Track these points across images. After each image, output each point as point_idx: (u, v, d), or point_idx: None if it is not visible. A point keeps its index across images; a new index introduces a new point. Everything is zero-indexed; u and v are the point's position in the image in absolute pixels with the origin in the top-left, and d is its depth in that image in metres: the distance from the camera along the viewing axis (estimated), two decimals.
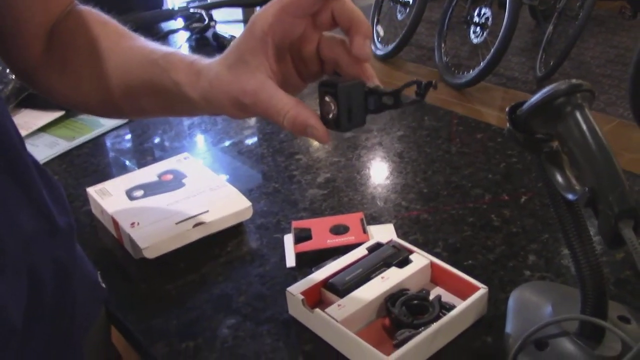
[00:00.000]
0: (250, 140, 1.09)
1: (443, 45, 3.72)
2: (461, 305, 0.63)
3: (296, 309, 0.67)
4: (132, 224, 0.79)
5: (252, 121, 1.16)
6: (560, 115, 0.54)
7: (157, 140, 1.11)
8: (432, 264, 0.70)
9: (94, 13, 0.68)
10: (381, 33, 4.11)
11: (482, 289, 0.65)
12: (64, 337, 0.61)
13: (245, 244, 0.81)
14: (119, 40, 0.65)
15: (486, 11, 3.56)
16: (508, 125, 0.60)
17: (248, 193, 0.89)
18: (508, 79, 3.75)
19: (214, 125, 1.15)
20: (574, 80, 0.55)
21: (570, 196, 0.55)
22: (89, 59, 0.65)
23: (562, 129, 0.54)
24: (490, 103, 3.49)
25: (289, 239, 0.80)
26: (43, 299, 0.58)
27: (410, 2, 3.92)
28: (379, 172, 0.96)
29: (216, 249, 0.80)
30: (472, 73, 3.44)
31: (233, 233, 0.82)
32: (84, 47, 0.65)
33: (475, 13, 3.61)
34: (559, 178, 0.57)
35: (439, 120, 1.11)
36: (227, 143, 1.08)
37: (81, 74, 0.66)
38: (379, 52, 4.04)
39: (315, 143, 1.06)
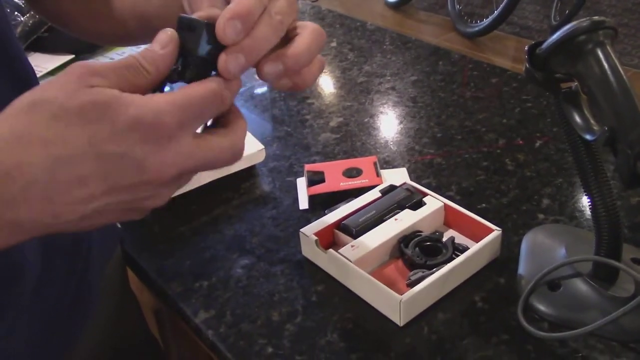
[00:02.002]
0: (261, 85, 1.08)
1: None
2: (474, 247, 0.63)
3: (309, 249, 0.67)
4: None
5: None
6: (580, 53, 0.53)
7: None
8: (445, 207, 0.70)
9: None
10: None
11: (496, 231, 0.65)
12: (80, 273, 0.61)
13: (258, 186, 0.81)
14: None
15: None
16: (526, 64, 0.59)
17: (260, 137, 0.88)
18: (522, 28, 3.68)
19: None
20: (595, 18, 0.54)
21: (588, 136, 0.54)
22: None
23: (582, 67, 0.53)
24: (504, 52, 3.43)
25: (301, 182, 0.80)
26: (58, 234, 0.58)
27: None
28: (392, 117, 0.95)
29: (229, 192, 0.80)
30: (485, 22, 3.37)
31: (245, 176, 0.82)
32: None
33: None
34: (578, 118, 0.56)
35: (454, 65, 1.09)
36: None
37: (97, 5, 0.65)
38: (390, 0, 3.97)
39: (329, 87, 1.04)
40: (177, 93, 0.38)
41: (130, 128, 0.35)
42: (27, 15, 1.24)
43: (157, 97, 0.37)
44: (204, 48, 0.39)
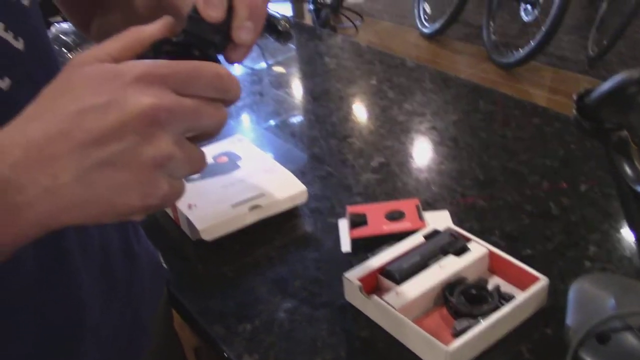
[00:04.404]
0: (303, 123, 1.09)
1: (492, 23, 3.63)
2: (521, 296, 0.62)
3: (353, 295, 0.67)
4: (190, 205, 0.80)
5: (305, 103, 1.16)
6: (632, 105, 0.53)
7: None
8: (490, 253, 0.69)
9: None
10: (428, 10, 4.04)
11: (542, 280, 0.64)
12: (133, 315, 0.63)
13: (300, 227, 0.82)
14: None
15: None
16: (575, 112, 0.58)
17: (301, 176, 0.89)
18: (558, 59, 3.66)
19: (266, 105, 1.16)
20: None
21: (639, 188, 0.54)
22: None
23: (634, 119, 0.53)
24: (540, 84, 3.41)
25: (344, 224, 0.80)
26: (114, 275, 0.60)
27: None
28: (433, 157, 0.95)
29: (271, 232, 0.81)
30: (522, 52, 3.36)
31: (287, 216, 0.83)
32: None
33: None
34: (628, 169, 0.55)
35: (494, 104, 1.09)
36: (279, 125, 1.08)
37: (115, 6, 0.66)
38: (425, 30, 3.98)
39: (369, 126, 1.05)
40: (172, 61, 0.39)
41: (103, 80, 0.37)
42: (74, 51, 1.28)
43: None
44: (205, 33, 0.42)
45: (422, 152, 0.96)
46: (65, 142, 0.36)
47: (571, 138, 0.96)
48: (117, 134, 0.36)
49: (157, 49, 0.42)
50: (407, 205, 0.80)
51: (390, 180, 0.90)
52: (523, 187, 0.85)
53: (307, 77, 1.30)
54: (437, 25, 3.90)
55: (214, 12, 0.41)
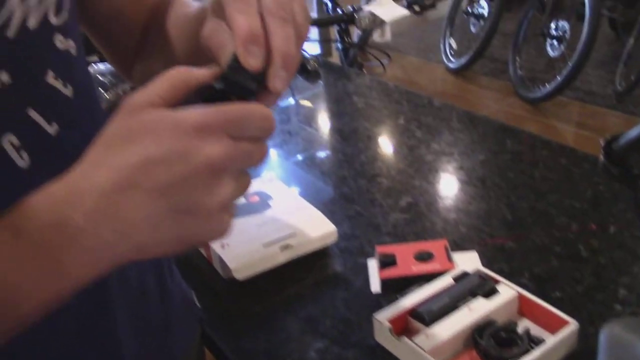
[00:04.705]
0: (332, 161, 1.11)
1: (518, 58, 3.65)
2: (551, 340, 0.63)
3: (383, 335, 0.68)
4: (222, 244, 0.82)
5: (334, 142, 1.18)
6: None
7: None
8: (519, 296, 0.70)
9: None
10: (454, 46, 4.08)
11: (572, 324, 0.64)
12: (168, 353, 0.64)
13: (330, 267, 0.83)
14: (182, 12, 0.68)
15: (564, 24, 3.47)
16: (602, 158, 0.59)
17: (330, 215, 0.90)
18: (585, 93, 3.65)
19: (294, 141, 1.18)
20: None
21: None
22: (165, 43, 0.68)
23: None
24: (567, 118, 3.40)
25: (373, 264, 0.81)
26: (150, 313, 0.62)
27: (485, 15, 3.87)
28: (461, 197, 0.96)
29: (301, 271, 0.82)
30: (548, 87, 3.36)
31: (318, 255, 0.84)
32: (162, 32, 0.68)
33: (553, 25, 3.52)
34: None
35: (522, 144, 1.10)
36: (307, 162, 1.11)
37: (161, 58, 0.69)
38: (451, 65, 4.01)
39: (398, 165, 1.07)
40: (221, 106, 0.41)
41: (169, 134, 0.39)
42: (110, 91, 1.32)
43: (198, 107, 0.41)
44: (245, 81, 0.44)
45: (450, 192, 0.98)
46: (135, 193, 0.38)
47: (599, 179, 0.96)
48: (183, 186, 0.39)
49: (200, 93, 0.44)
50: (435, 246, 0.81)
51: (419, 220, 0.91)
52: (552, 228, 0.86)
53: (336, 116, 1.32)
54: (463, 60, 3.93)
55: (254, 62, 0.44)
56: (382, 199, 0.97)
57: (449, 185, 1.00)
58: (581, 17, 3.29)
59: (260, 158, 0.43)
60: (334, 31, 2.21)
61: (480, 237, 0.86)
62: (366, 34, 1.77)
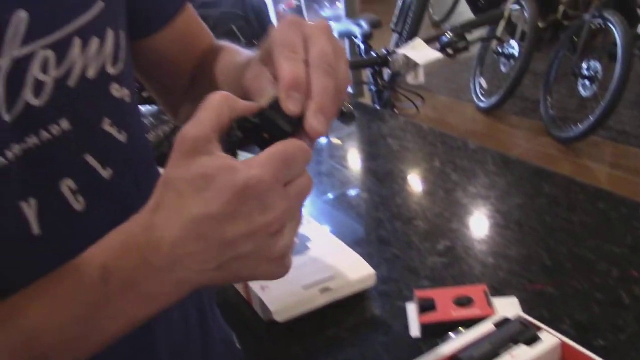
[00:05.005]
0: (367, 203, 1.12)
1: (549, 98, 3.65)
2: None
3: None
4: (262, 286, 0.83)
5: (370, 184, 1.20)
6: None
7: None
8: (562, 344, 0.69)
9: (224, 45, 0.74)
10: (484, 85, 4.09)
11: None
12: None
13: (369, 310, 0.84)
14: (229, 60, 0.70)
15: (595, 64, 3.47)
16: None
17: (368, 258, 0.91)
18: (618, 133, 3.62)
19: (330, 185, 1.20)
20: None
21: None
22: (212, 87, 0.71)
23: None
24: (600, 159, 3.37)
25: (412, 308, 0.82)
26: (191, 351, 0.63)
27: (515, 55, 3.89)
28: (498, 241, 0.96)
29: (340, 314, 0.83)
30: (581, 127, 3.34)
31: (356, 299, 0.85)
32: (210, 77, 0.71)
33: (584, 66, 3.52)
34: None
35: (558, 188, 1.10)
36: (343, 204, 1.12)
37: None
38: (482, 105, 4.02)
39: (434, 208, 1.07)
40: (267, 151, 0.44)
41: (235, 195, 0.42)
42: (152, 133, 1.36)
43: (253, 160, 0.43)
44: (281, 122, 0.46)
45: (487, 236, 0.98)
46: (204, 243, 0.42)
47: (639, 224, 0.96)
48: (248, 240, 0.42)
49: (238, 124, 0.47)
50: (475, 291, 0.81)
51: (457, 264, 0.91)
52: (592, 274, 0.85)
53: (371, 157, 1.34)
54: (493, 100, 3.94)
55: (293, 106, 0.46)
56: (419, 242, 0.98)
57: (486, 229, 1.00)
58: (613, 57, 3.29)
59: (309, 191, 0.46)
60: (365, 72, 2.24)
61: (520, 282, 0.85)
62: (399, 76, 1.80)
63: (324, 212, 1.11)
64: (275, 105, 0.47)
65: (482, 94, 4.09)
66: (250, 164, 0.43)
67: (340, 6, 3.23)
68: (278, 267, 0.45)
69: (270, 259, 0.44)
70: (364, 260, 0.88)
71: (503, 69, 4.05)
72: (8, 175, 0.52)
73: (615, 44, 3.25)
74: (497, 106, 3.95)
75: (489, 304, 0.78)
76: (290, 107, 0.46)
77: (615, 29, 3.24)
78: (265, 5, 1.97)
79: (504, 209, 1.05)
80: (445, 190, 1.13)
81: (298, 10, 2.80)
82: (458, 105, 4.25)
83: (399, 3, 4.23)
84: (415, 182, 1.19)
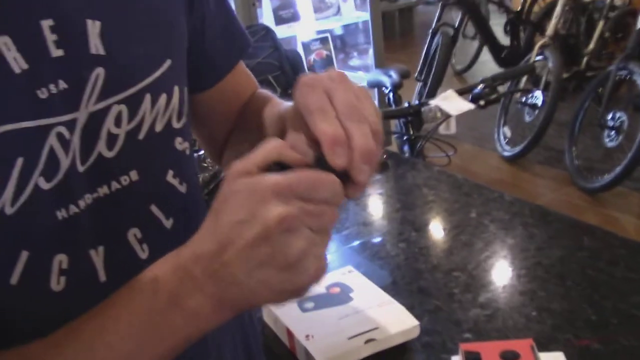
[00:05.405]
0: (407, 254, 1.12)
1: (574, 148, 3.65)
2: None
3: None
4: (307, 336, 0.84)
5: (408, 234, 1.20)
6: None
7: None
8: None
9: (266, 95, 0.77)
10: (508, 134, 4.11)
11: None
12: None
13: None
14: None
15: (621, 115, 3.47)
16: None
17: (410, 309, 0.91)
18: None
19: (369, 236, 1.20)
20: None
21: None
22: (249, 135, 0.73)
23: None
24: (628, 210, 3.34)
25: None
26: None
27: (539, 104, 3.91)
28: (541, 295, 0.96)
29: None
30: (607, 178, 3.33)
31: (400, 350, 0.85)
32: (255, 124, 0.73)
33: (610, 116, 3.53)
34: None
35: (599, 241, 1.10)
36: (383, 255, 1.12)
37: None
38: (505, 154, 4.03)
39: (474, 260, 1.07)
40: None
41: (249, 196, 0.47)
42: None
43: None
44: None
45: (529, 289, 0.97)
46: (231, 249, 0.47)
47: None
48: (264, 240, 0.46)
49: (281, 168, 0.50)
50: (521, 346, 0.81)
51: (500, 317, 0.91)
52: (638, 330, 0.85)
53: (406, 208, 1.35)
54: (517, 149, 3.95)
55: (340, 161, 0.49)
56: (460, 293, 0.97)
57: (528, 282, 0.99)
58: (638, 108, 3.29)
59: (330, 219, 0.49)
60: (393, 122, 2.27)
61: (565, 337, 0.85)
62: (432, 127, 1.82)
63: (361, 262, 1.12)
64: (319, 162, 0.50)
65: (505, 143, 4.10)
66: (272, 175, 0.47)
67: (370, 57, 3.29)
68: (299, 273, 0.47)
69: (288, 264, 0.46)
70: (407, 311, 0.88)
71: (527, 118, 4.06)
72: (79, 223, 0.54)
73: (639, 96, 3.26)
74: (522, 155, 3.96)
75: (536, 359, 0.78)
76: (337, 161, 0.49)
77: None
78: (299, 56, 2.03)
79: (544, 261, 1.05)
80: (484, 241, 1.13)
81: (328, 60, 2.86)
82: (482, 153, 4.25)
83: (423, 53, 4.30)
84: (453, 232, 1.19)
